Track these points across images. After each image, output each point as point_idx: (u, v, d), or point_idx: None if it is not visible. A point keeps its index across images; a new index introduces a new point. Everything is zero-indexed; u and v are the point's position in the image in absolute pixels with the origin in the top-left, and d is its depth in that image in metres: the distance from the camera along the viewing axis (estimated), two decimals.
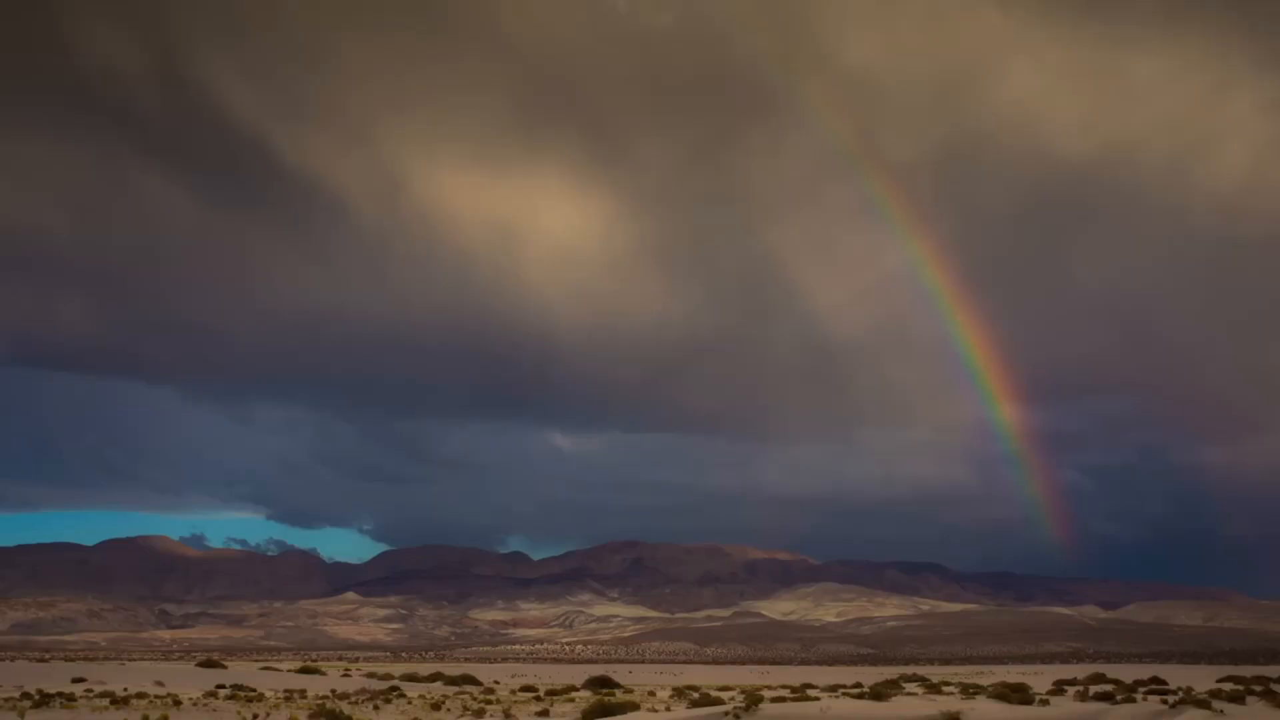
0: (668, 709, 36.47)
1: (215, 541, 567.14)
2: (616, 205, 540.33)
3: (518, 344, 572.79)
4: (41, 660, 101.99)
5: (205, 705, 39.26)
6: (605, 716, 32.67)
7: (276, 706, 39.05)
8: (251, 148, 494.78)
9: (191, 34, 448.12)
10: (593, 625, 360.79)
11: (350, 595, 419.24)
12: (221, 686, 51.11)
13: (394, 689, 53.56)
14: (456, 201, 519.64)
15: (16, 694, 42.78)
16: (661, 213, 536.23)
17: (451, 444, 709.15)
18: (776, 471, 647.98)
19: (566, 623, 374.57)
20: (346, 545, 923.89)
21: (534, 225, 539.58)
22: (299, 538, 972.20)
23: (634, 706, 36.38)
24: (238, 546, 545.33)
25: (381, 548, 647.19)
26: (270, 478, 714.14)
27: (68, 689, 46.73)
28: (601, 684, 60.28)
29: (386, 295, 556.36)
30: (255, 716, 34.58)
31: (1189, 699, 33.94)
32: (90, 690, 46.57)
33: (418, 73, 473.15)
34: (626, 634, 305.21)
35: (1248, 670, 78.90)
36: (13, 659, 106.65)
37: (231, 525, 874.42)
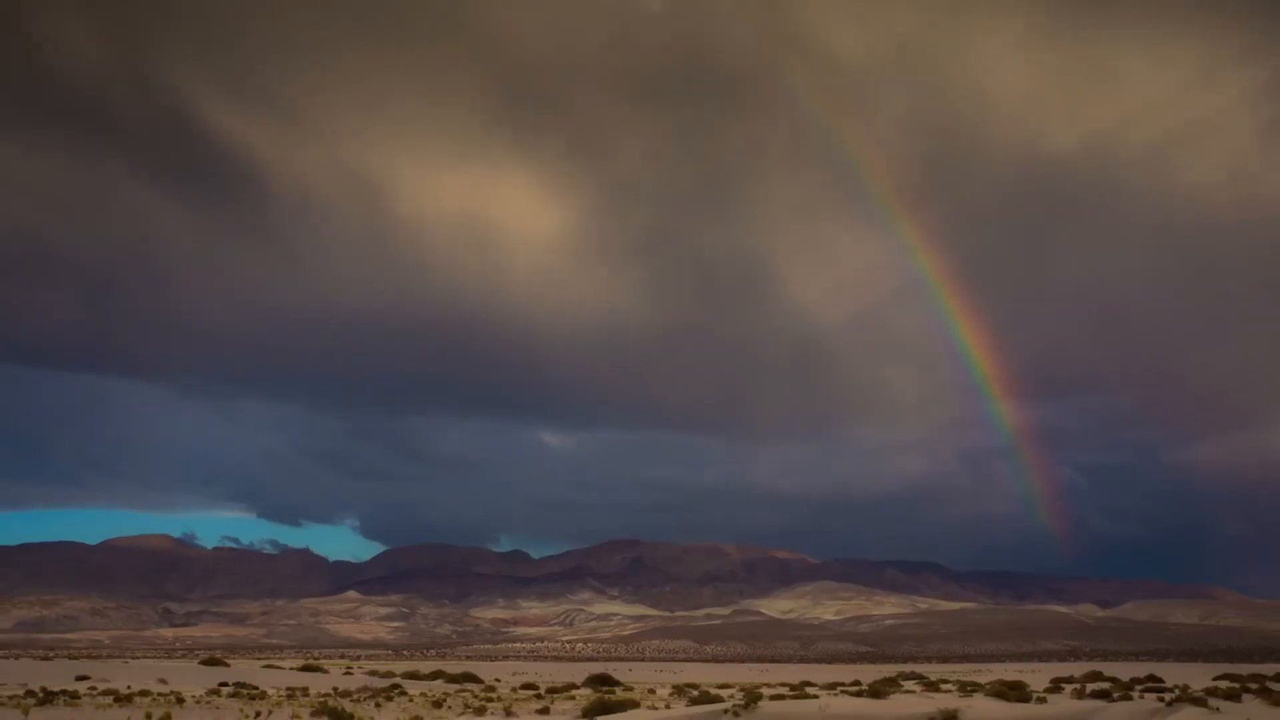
0: (667, 707, 36.72)
1: (205, 539, 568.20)
2: (603, 199, 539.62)
3: (506, 342, 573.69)
4: (45, 658, 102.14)
5: (208, 703, 39.53)
6: (605, 714, 32.92)
7: (279, 704, 39.31)
8: (237, 148, 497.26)
9: (165, 34, 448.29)
10: (593, 623, 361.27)
11: (352, 594, 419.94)
12: (224, 684, 51.36)
13: (395, 687, 53.84)
14: (443, 199, 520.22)
15: (21, 692, 43.06)
16: (650, 206, 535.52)
17: (441, 442, 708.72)
18: (772, 469, 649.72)
19: (567, 621, 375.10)
20: (336, 543, 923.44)
21: (521, 222, 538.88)
22: (289, 535, 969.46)
23: (634, 704, 36.65)
24: (231, 545, 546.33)
25: (371, 545, 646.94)
26: (259, 476, 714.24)
27: (71, 687, 47.00)
28: (602, 682, 60.56)
29: (374, 294, 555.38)
30: (258, 714, 34.85)
31: (1185, 697, 34.23)
32: (94, 688, 46.82)
33: (397, 69, 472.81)
34: (626, 632, 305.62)
35: (1243, 668, 79.19)
36: (17, 657, 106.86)
37: (221, 524, 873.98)
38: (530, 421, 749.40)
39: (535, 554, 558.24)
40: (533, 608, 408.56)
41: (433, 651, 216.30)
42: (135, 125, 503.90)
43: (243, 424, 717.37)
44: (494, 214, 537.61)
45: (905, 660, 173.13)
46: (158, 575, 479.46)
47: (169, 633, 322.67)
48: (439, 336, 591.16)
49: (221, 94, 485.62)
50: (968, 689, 42.51)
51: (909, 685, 48.63)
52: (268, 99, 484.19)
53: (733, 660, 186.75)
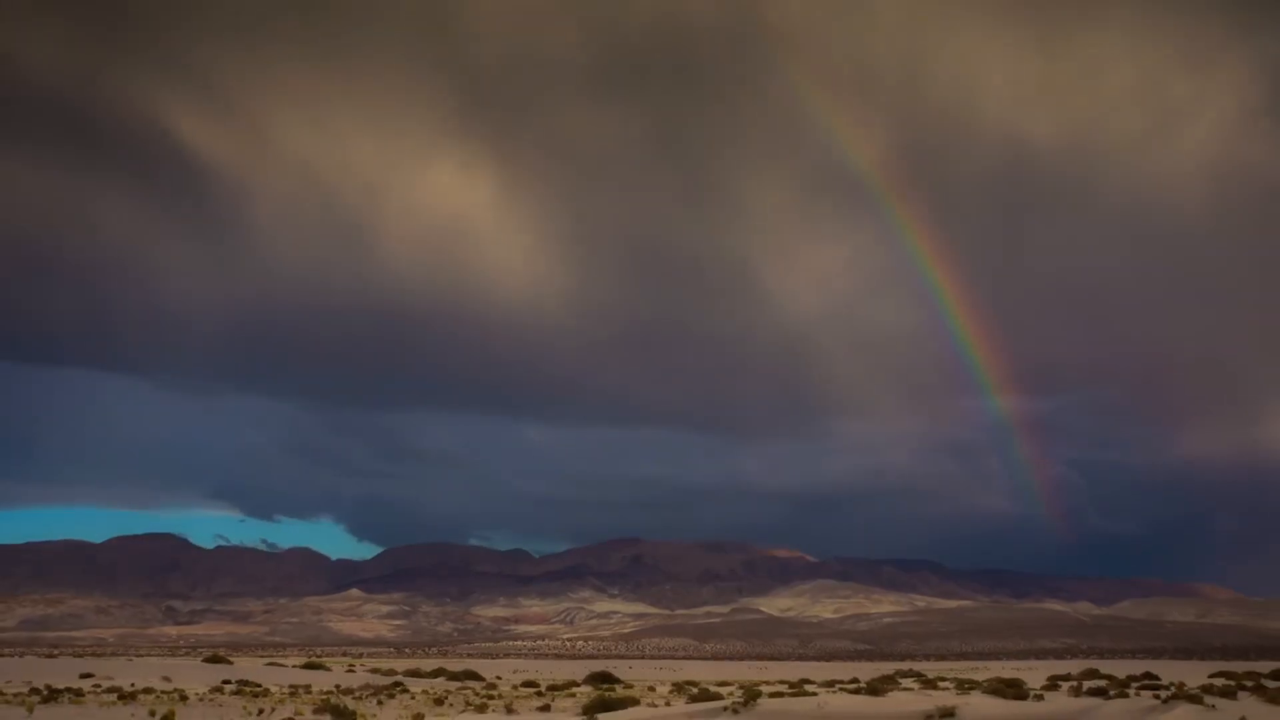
0: (667, 704, 37.05)
1: (192, 537, 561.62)
2: (584, 193, 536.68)
3: (490, 337, 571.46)
4: (50, 656, 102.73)
5: (211, 700, 39.86)
6: (606, 711, 33.21)
7: (282, 701, 39.65)
8: (214, 146, 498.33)
9: (119, 34, 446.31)
10: (593, 622, 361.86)
11: (354, 592, 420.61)
12: (227, 682, 51.67)
13: (397, 684, 54.20)
14: (424, 194, 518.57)
15: (25, 689, 43.39)
16: (629, 202, 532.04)
17: (427, 438, 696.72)
18: (765, 466, 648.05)
19: (567, 619, 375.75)
20: (320, 540, 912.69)
21: (504, 216, 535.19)
22: (274, 533, 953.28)
23: (634, 702, 36.95)
24: (221, 543, 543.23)
25: (358, 544, 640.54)
26: (242, 473, 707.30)
27: (75, 684, 47.27)
28: (602, 679, 60.85)
29: (360, 288, 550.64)
30: (261, 711, 35.17)
31: (1181, 694, 34.47)
32: (98, 685, 47.15)
33: (368, 63, 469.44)
34: (627, 630, 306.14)
35: (1239, 666, 79.41)
36: (21, 655, 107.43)
37: (206, 522, 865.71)
38: (519, 418, 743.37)
39: (534, 551, 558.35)
40: (533, 606, 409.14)
41: (434, 649, 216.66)
42: (106, 126, 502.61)
43: (224, 420, 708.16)
44: (477, 209, 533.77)
45: (903, 658, 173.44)
46: (161, 573, 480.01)
47: (173, 630, 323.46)
48: (423, 332, 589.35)
49: (193, 96, 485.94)
50: (965, 686, 42.84)
51: (907, 683, 48.92)
52: (243, 98, 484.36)
53: (732, 658, 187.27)
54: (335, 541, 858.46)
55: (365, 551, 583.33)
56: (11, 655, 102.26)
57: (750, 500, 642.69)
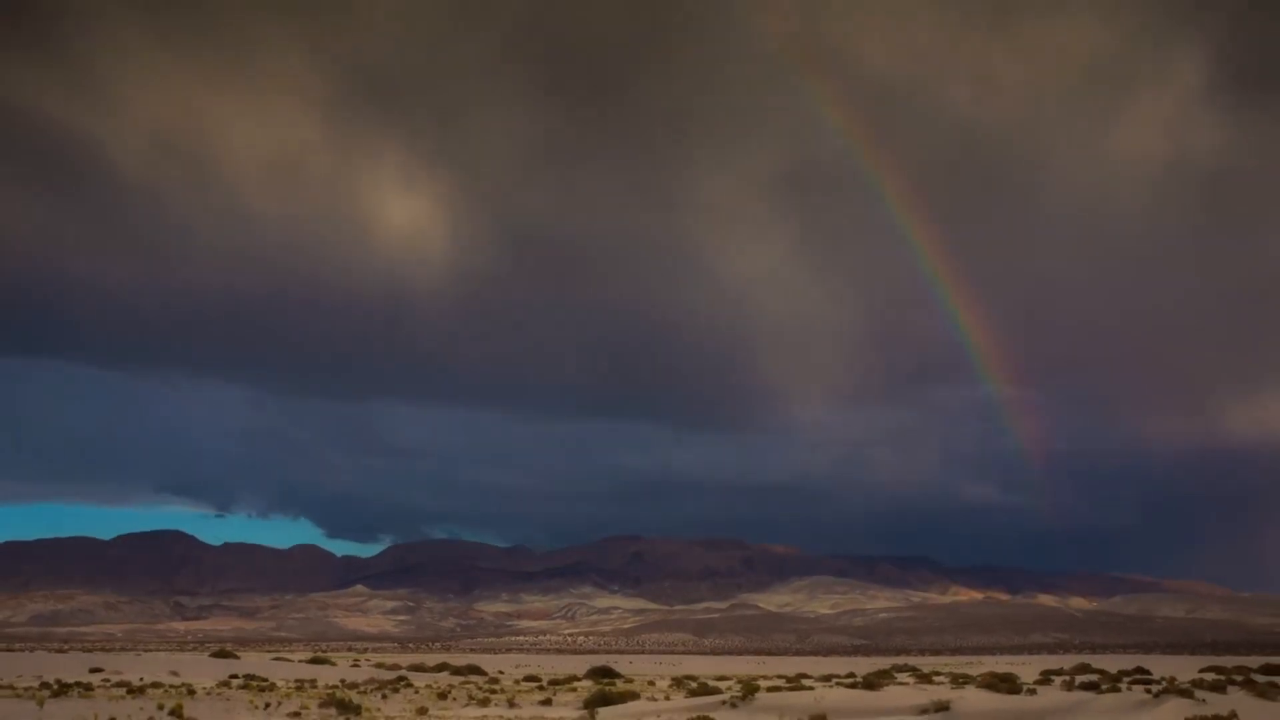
0: (667, 698, 37.77)
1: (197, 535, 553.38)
2: (571, 185, 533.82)
3: (462, 327, 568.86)
4: (60, 651, 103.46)
5: (219, 694, 40.50)
6: (606, 705, 33.88)
7: (288, 696, 40.32)
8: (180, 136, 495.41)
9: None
10: (594, 617, 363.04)
11: (359, 588, 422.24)
12: (234, 676, 52.38)
13: (401, 679, 54.87)
14: (370, 181, 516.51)
15: (36, 684, 44.01)
16: (613, 197, 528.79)
17: (400, 430, 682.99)
18: (754, 462, 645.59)
19: (568, 615, 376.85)
20: (306, 537, 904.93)
21: (486, 211, 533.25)
22: (261, 530, 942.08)
23: (634, 696, 37.62)
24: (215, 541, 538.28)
25: (334, 539, 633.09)
26: (216, 467, 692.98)
27: (85, 679, 47.94)
28: (603, 674, 61.52)
29: (343, 278, 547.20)
30: (267, 705, 35.78)
31: (1172, 688, 35.06)
32: (107, 680, 47.76)
33: (294, 37, 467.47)
34: (627, 625, 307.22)
35: (1229, 661, 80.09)
36: (32, 650, 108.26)
37: (180, 519, 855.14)
38: (491, 411, 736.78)
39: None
40: (535, 602, 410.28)
41: (438, 644, 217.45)
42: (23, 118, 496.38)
43: (194, 410, 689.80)
44: (431, 201, 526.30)
45: (898, 653, 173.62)
46: (169, 570, 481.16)
47: (180, 626, 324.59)
48: (402, 324, 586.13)
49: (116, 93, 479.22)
50: (960, 681, 43.55)
51: (902, 677, 49.62)
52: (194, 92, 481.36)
53: (730, 653, 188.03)
54: (313, 537, 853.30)
55: (349, 548, 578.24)
56: (22, 650, 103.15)
57: (735, 493, 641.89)
